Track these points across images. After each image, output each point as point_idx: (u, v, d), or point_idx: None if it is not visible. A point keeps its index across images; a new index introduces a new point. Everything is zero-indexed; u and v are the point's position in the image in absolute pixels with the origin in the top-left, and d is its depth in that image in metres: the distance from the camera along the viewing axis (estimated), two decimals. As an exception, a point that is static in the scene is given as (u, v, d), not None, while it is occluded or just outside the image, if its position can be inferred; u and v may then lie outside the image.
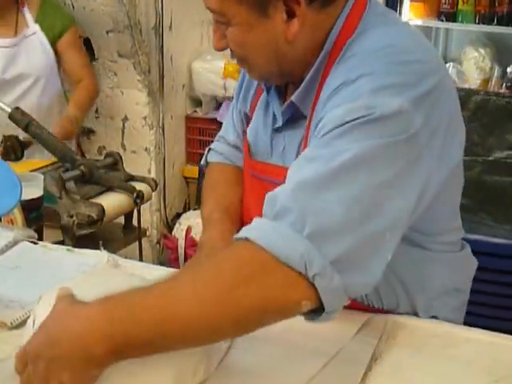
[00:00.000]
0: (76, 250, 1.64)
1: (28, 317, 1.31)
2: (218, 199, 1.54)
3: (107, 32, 3.36)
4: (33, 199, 1.85)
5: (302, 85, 1.30)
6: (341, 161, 1.07)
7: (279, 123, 1.39)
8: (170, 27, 3.64)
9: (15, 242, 1.63)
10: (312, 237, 1.03)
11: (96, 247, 1.71)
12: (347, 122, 1.10)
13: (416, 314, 1.37)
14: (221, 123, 3.76)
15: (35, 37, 2.85)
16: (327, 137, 1.12)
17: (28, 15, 2.84)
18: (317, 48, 1.28)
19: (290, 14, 1.21)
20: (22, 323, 1.29)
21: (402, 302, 1.36)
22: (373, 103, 1.11)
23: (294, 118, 1.35)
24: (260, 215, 1.11)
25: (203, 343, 1.07)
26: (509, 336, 1.31)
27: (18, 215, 1.79)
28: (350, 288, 1.06)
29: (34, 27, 2.85)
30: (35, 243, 1.67)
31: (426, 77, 1.17)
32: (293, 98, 1.32)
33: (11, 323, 1.28)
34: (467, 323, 1.40)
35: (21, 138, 2.34)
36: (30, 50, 2.85)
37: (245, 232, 1.07)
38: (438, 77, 1.20)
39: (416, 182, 1.14)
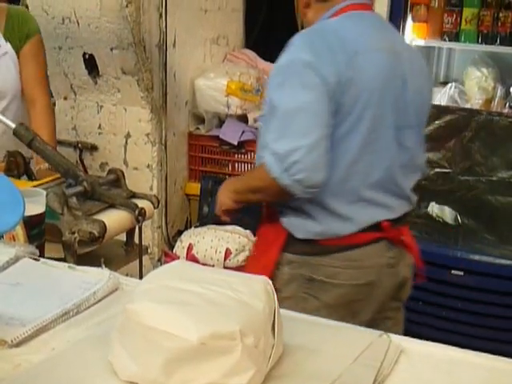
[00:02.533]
0: (77, 267, 1.63)
1: (29, 335, 1.30)
2: None
3: (111, 49, 3.37)
4: (35, 215, 1.84)
5: None
6: None
7: None
8: (174, 45, 3.66)
9: (17, 259, 1.62)
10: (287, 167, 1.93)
11: (97, 264, 1.70)
12: None
13: None
14: (223, 140, 3.79)
15: (7, 56, 2.77)
16: None
17: None
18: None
19: (306, 6, 2.18)
20: (23, 341, 1.28)
21: None
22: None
23: None
24: None
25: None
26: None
27: (19, 231, 1.78)
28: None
29: (5, 46, 2.77)
30: (37, 260, 1.66)
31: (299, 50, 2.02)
32: None
33: (12, 341, 1.27)
34: (473, 347, 1.38)
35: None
36: (4, 69, 2.78)
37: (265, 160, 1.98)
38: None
39: None
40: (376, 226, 2.08)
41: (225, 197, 2.20)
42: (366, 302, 2.13)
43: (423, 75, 2.22)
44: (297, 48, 1.99)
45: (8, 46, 2.78)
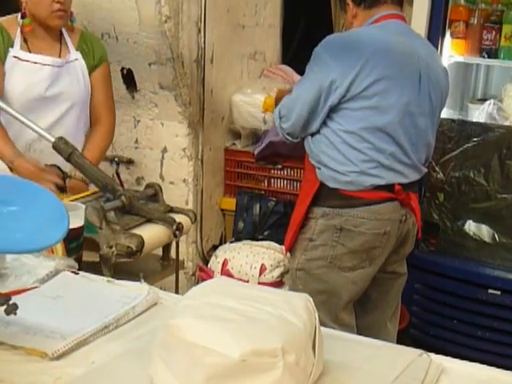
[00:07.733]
0: (116, 281, 1.64)
1: (69, 348, 1.31)
2: None
3: (150, 64, 3.40)
4: (74, 229, 1.85)
5: None
6: None
7: None
8: (212, 61, 3.67)
9: (56, 272, 1.64)
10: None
11: (132, 277, 1.71)
12: None
13: None
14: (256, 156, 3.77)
15: (77, 63, 2.85)
16: None
17: (69, 43, 2.85)
18: None
19: (354, 16, 2.67)
20: (63, 354, 1.29)
21: None
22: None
23: None
24: None
25: None
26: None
27: (58, 245, 1.80)
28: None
29: (75, 54, 2.85)
30: (76, 273, 1.67)
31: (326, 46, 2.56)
32: None
33: (52, 354, 1.28)
34: (508, 367, 1.36)
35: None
36: (72, 74, 2.85)
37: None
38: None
39: None
40: (390, 188, 2.53)
41: None
42: (382, 249, 2.58)
43: (440, 74, 2.67)
44: (322, 47, 2.54)
45: (79, 55, 2.87)
